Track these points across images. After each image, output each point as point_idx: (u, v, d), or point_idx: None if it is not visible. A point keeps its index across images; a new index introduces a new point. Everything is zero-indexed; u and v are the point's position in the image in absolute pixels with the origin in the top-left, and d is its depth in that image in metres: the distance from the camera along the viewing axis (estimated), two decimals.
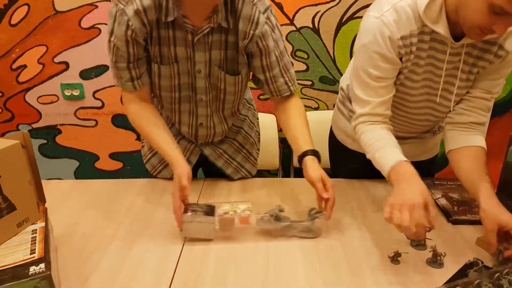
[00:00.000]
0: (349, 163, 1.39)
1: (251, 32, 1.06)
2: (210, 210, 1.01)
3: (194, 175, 1.37)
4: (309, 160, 1.07)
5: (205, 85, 1.14)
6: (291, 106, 1.20)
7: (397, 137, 1.24)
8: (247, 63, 1.14)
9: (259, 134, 1.47)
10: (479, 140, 1.08)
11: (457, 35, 0.98)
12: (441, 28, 0.96)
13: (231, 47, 1.09)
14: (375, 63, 1.03)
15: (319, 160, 1.09)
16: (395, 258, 0.93)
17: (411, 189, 0.90)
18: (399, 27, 0.98)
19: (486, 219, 0.92)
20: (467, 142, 1.08)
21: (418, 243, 0.98)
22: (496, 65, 1.04)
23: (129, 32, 1.02)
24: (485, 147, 1.07)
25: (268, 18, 1.07)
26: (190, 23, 1.03)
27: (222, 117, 1.25)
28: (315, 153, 1.10)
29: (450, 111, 1.13)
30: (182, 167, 1.04)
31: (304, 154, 1.09)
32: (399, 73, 1.07)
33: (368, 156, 1.07)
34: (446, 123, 1.14)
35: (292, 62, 1.94)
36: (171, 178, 1.08)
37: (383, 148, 1.03)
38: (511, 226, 0.89)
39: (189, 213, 0.99)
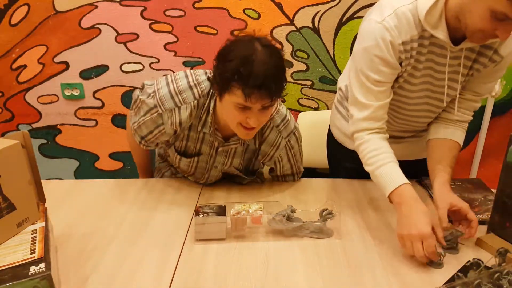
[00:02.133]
0: (347, 162, 1.40)
1: (271, 153, 1.24)
2: (221, 210, 1.01)
3: None
4: None
5: (219, 174, 1.28)
6: None
7: (395, 137, 1.25)
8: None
9: None
10: (458, 135, 1.15)
11: (455, 40, 0.99)
12: (441, 33, 0.97)
13: (249, 152, 1.25)
14: (376, 67, 1.03)
15: None
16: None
17: (417, 217, 0.92)
18: (400, 32, 0.99)
19: (439, 199, 1.01)
20: (446, 135, 1.15)
21: (449, 246, 0.97)
22: (490, 69, 1.07)
23: (156, 131, 1.15)
24: (461, 142, 1.15)
25: (288, 141, 1.23)
26: (221, 135, 1.17)
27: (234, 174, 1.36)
28: None
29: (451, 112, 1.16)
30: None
31: None
32: (399, 76, 1.07)
33: (366, 168, 1.08)
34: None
35: (292, 62, 1.95)
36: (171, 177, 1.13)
37: (384, 165, 1.03)
38: (460, 205, 0.98)
39: (200, 216, 0.99)
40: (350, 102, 1.12)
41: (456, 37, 0.99)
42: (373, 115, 1.07)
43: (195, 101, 1.10)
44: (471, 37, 0.94)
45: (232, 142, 1.19)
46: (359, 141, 1.09)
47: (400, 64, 1.04)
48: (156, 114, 1.11)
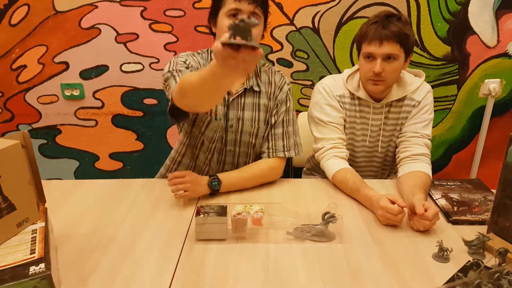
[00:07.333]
0: None
1: (276, 94, 1.33)
2: (222, 211, 1.01)
3: None
4: None
5: (234, 138, 1.34)
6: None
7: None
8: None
9: None
10: (423, 167, 1.28)
11: (378, 99, 1.36)
12: (361, 93, 1.35)
13: (262, 109, 1.33)
14: (325, 111, 1.36)
15: None
16: (442, 255, 0.94)
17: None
18: (335, 88, 1.38)
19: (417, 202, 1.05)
20: (412, 169, 1.28)
21: (475, 251, 0.96)
22: (414, 113, 1.37)
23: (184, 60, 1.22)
24: (429, 172, 1.28)
25: (289, 90, 1.36)
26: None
27: (249, 160, 1.41)
28: None
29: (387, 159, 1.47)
30: None
31: None
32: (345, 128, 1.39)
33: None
34: (396, 163, 1.38)
35: (292, 62, 1.95)
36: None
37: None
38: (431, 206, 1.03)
39: (201, 216, 0.99)
40: (313, 144, 1.41)
41: (378, 98, 1.36)
42: (330, 142, 1.35)
43: (198, 54, 1.30)
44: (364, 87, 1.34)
45: (240, 89, 1.28)
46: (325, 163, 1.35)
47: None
48: (175, 57, 1.24)
